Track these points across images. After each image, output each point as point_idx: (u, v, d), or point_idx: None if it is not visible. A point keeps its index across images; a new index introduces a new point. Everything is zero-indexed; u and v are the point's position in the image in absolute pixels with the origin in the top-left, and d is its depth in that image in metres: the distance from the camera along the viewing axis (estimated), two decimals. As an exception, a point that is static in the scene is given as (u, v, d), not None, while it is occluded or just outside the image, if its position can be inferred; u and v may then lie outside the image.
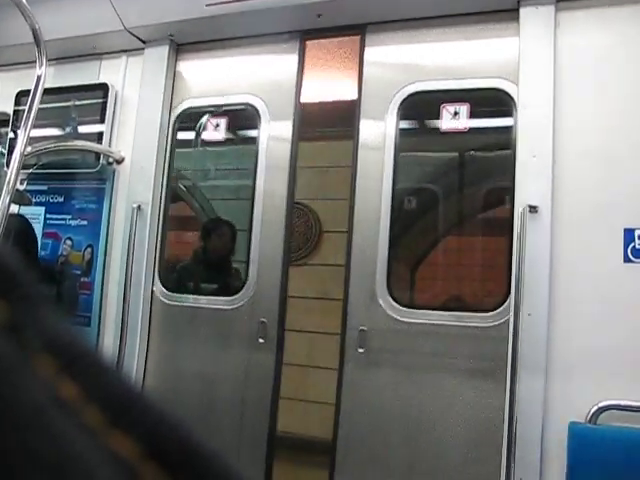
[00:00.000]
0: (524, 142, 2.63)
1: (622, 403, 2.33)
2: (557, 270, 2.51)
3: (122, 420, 0.20)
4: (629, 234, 2.43)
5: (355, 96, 3.06)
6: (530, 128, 2.62)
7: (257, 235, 3.12)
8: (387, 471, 2.67)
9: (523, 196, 2.57)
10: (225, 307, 3.12)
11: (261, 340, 3.04)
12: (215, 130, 3.38)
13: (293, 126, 3.20)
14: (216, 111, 3.36)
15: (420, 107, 3.00)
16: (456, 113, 2.84)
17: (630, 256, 2.43)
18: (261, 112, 3.23)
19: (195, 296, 3.21)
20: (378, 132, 2.97)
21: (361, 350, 2.82)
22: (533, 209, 2.52)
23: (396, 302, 2.81)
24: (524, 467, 2.43)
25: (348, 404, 2.84)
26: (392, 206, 2.88)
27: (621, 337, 2.39)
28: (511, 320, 2.51)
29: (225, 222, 3.45)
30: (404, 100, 2.93)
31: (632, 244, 2.43)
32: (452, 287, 3.23)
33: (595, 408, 2.34)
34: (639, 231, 2.42)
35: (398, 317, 2.78)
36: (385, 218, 2.86)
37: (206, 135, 3.41)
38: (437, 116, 2.89)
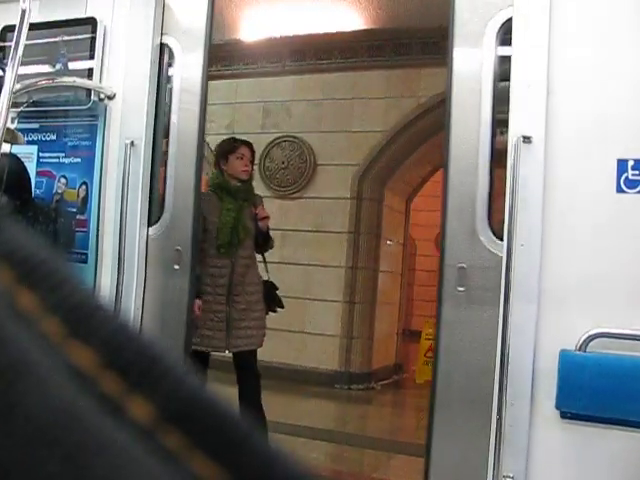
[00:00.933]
0: (518, 71, 2.60)
1: (611, 331, 2.38)
2: (550, 201, 2.52)
3: (81, 330, 0.20)
4: (622, 164, 2.43)
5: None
6: (524, 57, 2.59)
7: (172, 168, 3.31)
8: (487, 409, 2.60)
9: (517, 127, 2.56)
10: (152, 236, 3.33)
11: (176, 267, 3.27)
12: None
13: (203, 64, 3.29)
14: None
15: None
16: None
17: (623, 186, 2.44)
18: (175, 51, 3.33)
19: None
20: (474, 59, 2.79)
21: (461, 289, 2.73)
22: (527, 139, 2.52)
23: (498, 238, 2.68)
24: (515, 393, 2.49)
25: (447, 343, 2.76)
26: (491, 138, 2.74)
27: (613, 267, 2.42)
28: (504, 250, 2.54)
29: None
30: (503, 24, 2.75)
31: (625, 174, 2.43)
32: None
33: (585, 336, 2.39)
34: (632, 162, 2.42)
35: (499, 253, 2.65)
36: (484, 150, 2.74)
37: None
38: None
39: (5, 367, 0.17)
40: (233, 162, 3.84)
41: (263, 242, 3.95)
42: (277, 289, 4.05)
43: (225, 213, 3.73)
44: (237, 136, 7.92)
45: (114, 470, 0.17)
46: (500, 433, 2.48)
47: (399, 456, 4.48)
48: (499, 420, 2.49)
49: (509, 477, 2.48)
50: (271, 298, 3.98)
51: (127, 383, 0.19)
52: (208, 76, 3.36)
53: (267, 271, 4.06)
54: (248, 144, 3.95)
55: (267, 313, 3.94)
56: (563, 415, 2.45)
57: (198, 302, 3.57)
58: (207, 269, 3.71)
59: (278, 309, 4.05)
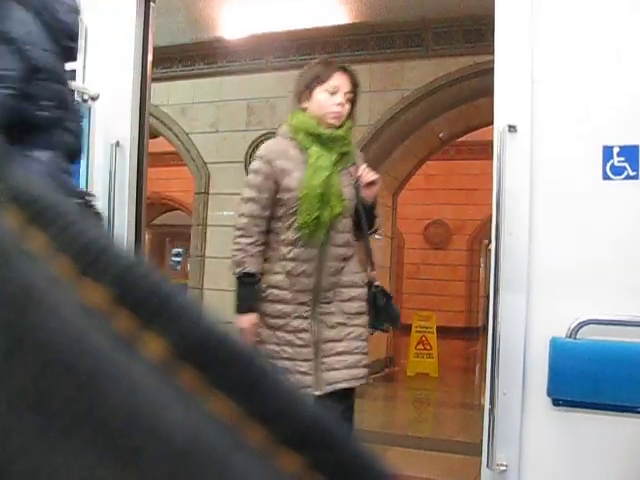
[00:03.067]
0: (502, 59, 2.60)
1: (601, 318, 2.40)
2: (537, 189, 2.53)
3: (92, 268, 0.19)
4: (608, 151, 2.45)
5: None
6: (508, 45, 2.59)
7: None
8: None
9: (502, 116, 2.57)
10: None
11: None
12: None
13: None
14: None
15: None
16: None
17: (609, 173, 2.45)
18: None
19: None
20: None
21: None
22: (512, 128, 2.53)
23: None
24: (507, 382, 2.51)
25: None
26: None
27: (601, 254, 2.44)
28: (493, 240, 2.55)
29: None
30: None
31: (611, 161, 2.45)
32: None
33: (575, 323, 2.40)
34: (617, 148, 2.43)
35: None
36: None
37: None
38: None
39: (17, 293, 0.17)
40: (321, 97, 2.53)
41: (368, 221, 2.61)
42: (390, 296, 2.73)
43: (312, 172, 2.44)
44: (222, 134, 7.86)
45: (130, 397, 0.17)
46: (493, 423, 2.50)
47: (395, 448, 4.50)
48: (491, 409, 2.50)
49: (502, 466, 2.49)
50: (380, 310, 2.61)
51: (140, 320, 0.19)
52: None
53: (372, 267, 2.70)
54: (347, 70, 2.58)
55: (372, 333, 2.61)
56: (555, 402, 2.46)
57: (250, 317, 2.46)
58: (280, 263, 2.48)
59: (390, 327, 2.75)
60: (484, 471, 2.54)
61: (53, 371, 0.17)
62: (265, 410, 0.20)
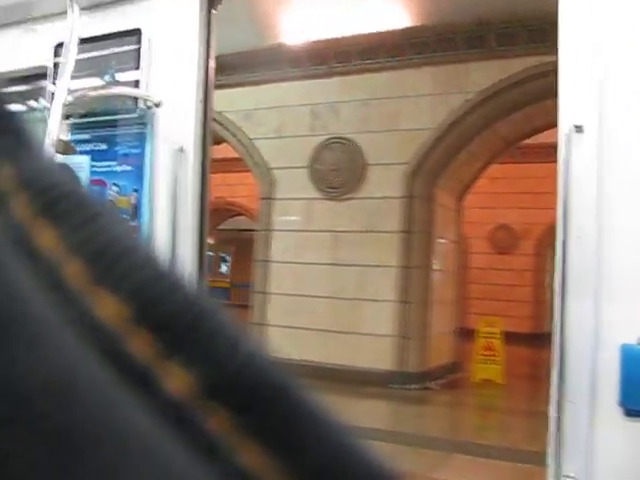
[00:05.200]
0: (567, 56, 2.53)
1: (675, 323, 2.30)
2: (605, 191, 2.44)
3: (110, 275, 0.16)
4: (680, 150, 2.35)
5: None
6: (572, 41, 2.52)
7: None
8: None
9: (567, 115, 2.49)
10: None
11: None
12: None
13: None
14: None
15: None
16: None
17: (682, 173, 2.35)
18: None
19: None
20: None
21: None
22: (578, 129, 2.45)
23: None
24: (575, 390, 2.43)
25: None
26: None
27: (674, 257, 2.34)
28: (559, 243, 2.48)
29: None
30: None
31: (683, 161, 2.35)
32: None
33: (647, 329, 2.31)
34: (691, 147, 2.33)
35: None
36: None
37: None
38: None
39: (9, 322, 0.13)
40: None
41: None
42: None
43: None
44: (286, 139, 7.99)
45: (117, 462, 0.13)
46: (559, 432, 2.42)
47: (458, 455, 4.42)
48: (558, 418, 2.43)
49: (570, 477, 2.42)
50: None
51: (163, 345, 0.15)
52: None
53: None
54: None
55: None
56: (627, 412, 2.37)
57: None
58: None
59: None
60: (550, 482, 2.47)
61: (17, 425, 0.12)
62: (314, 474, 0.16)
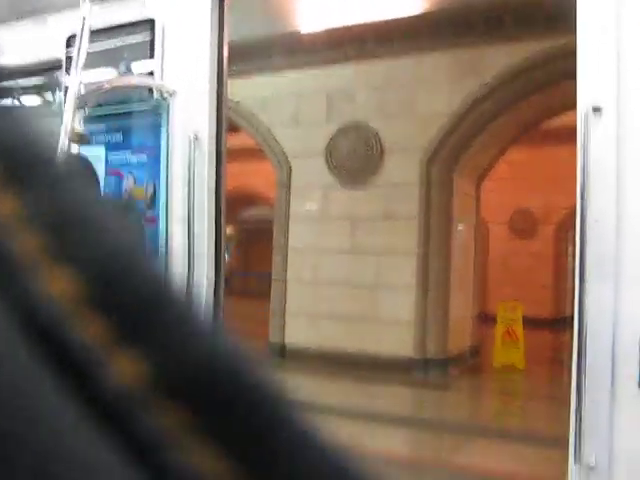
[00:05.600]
0: (585, 35, 2.48)
1: (697, 306, 2.27)
2: (625, 173, 2.41)
3: (66, 249, 0.14)
4: (701, 131, 2.30)
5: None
6: (591, 21, 2.47)
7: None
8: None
9: (586, 96, 2.45)
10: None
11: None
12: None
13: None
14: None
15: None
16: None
17: (702, 156, 2.31)
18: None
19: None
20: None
21: None
22: (597, 110, 2.41)
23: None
24: (595, 375, 2.40)
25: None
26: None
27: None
28: (578, 227, 2.45)
29: None
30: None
31: None
32: None
33: (669, 315, 2.28)
34: None
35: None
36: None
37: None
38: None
39: None
40: None
41: None
42: None
43: None
44: (302, 127, 7.96)
45: (48, 465, 0.12)
46: (580, 417, 2.40)
47: (479, 440, 4.42)
48: (578, 403, 2.41)
49: (591, 462, 2.40)
50: None
51: (114, 330, 0.14)
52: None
53: None
54: None
55: None
56: (648, 398, 2.34)
57: None
58: None
59: None
60: (571, 467, 2.45)
61: None
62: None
